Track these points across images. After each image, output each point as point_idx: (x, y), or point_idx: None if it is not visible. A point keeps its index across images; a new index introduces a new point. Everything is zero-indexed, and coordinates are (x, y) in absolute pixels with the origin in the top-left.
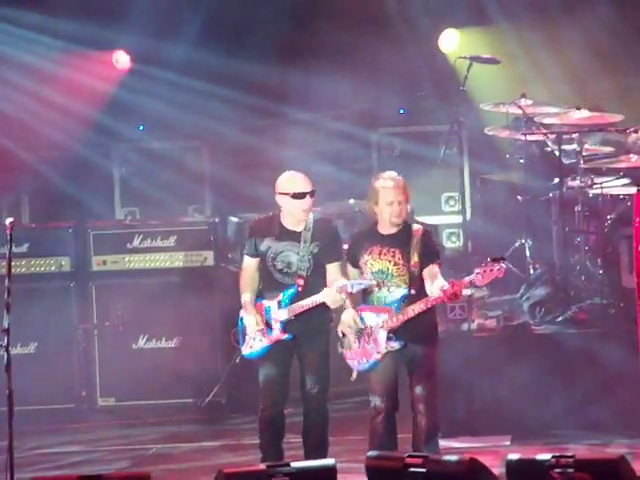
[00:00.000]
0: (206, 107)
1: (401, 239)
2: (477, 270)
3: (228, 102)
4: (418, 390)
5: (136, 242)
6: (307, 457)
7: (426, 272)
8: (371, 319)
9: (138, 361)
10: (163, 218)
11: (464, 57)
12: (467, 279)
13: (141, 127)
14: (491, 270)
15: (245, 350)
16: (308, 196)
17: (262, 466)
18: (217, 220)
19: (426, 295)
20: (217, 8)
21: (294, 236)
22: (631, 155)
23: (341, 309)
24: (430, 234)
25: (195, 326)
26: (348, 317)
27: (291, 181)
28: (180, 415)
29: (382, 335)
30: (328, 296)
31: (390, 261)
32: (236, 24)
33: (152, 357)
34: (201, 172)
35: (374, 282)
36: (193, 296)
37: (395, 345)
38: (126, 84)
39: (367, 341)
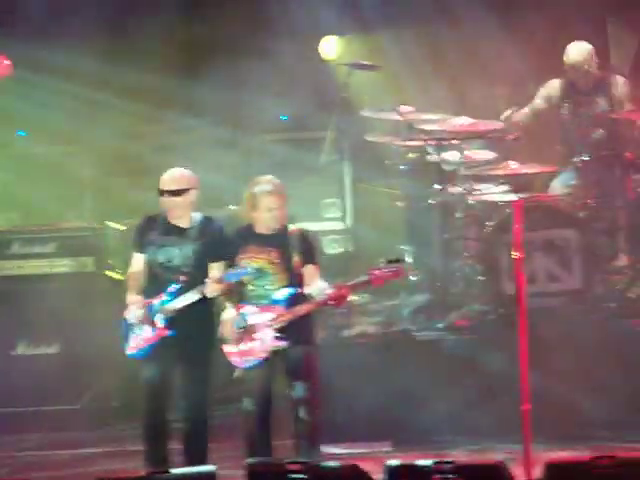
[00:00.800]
0: (87, 112)
1: (278, 239)
2: (371, 271)
3: (109, 108)
4: (299, 392)
5: (15, 248)
6: (187, 464)
7: (304, 272)
8: (254, 317)
9: (17, 368)
10: (43, 224)
11: (344, 64)
12: (360, 279)
13: (21, 132)
14: (388, 271)
15: (130, 350)
16: (167, 194)
17: (141, 473)
18: (97, 226)
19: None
20: (97, 12)
21: (178, 232)
22: (510, 162)
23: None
24: (307, 234)
25: (76, 332)
26: (229, 316)
27: (162, 178)
28: (62, 422)
29: (269, 333)
30: (205, 287)
31: (267, 260)
32: (119, 29)
33: (32, 363)
34: (81, 178)
35: (249, 269)
36: (73, 302)
37: (283, 344)
38: (6, 89)
39: (252, 339)
